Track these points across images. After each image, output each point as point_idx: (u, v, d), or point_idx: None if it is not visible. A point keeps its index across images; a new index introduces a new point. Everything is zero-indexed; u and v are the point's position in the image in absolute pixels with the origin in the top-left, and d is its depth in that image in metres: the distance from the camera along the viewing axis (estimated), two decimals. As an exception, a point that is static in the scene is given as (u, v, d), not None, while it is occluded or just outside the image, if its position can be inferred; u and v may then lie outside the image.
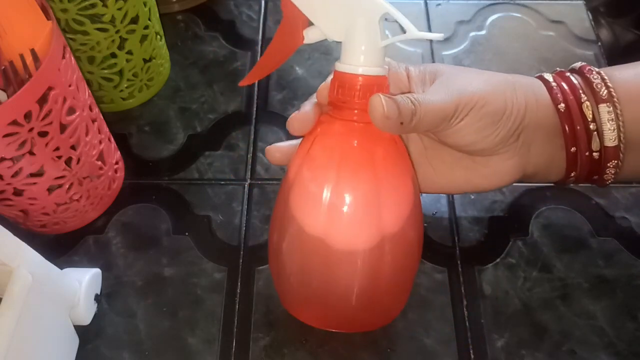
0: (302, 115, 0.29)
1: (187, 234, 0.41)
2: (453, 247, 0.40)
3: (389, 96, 0.26)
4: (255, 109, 0.48)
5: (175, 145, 0.46)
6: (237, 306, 0.38)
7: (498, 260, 0.39)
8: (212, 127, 0.47)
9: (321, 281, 0.30)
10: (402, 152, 0.29)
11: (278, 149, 0.33)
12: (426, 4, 0.55)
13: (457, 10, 0.54)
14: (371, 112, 0.26)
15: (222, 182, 0.44)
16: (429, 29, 0.53)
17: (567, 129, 0.32)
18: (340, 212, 0.28)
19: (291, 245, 0.30)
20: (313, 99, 0.30)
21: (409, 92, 0.32)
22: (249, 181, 0.44)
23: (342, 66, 0.26)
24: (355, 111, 0.27)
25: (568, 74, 0.34)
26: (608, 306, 0.37)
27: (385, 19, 0.25)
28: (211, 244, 0.40)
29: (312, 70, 0.50)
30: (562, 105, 0.32)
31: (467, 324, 0.37)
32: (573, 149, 0.33)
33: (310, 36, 0.27)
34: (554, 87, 0.33)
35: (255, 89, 0.49)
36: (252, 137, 0.46)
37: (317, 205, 0.28)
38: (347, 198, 0.27)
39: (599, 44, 0.51)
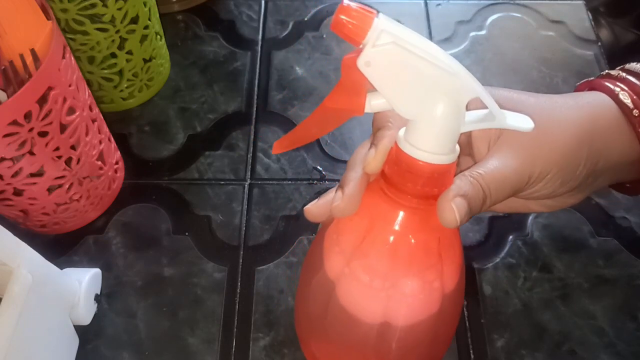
0: (351, 196, 0.25)
1: (187, 234, 0.41)
2: (453, 247, 0.40)
3: (460, 197, 0.24)
4: (255, 109, 0.48)
5: (175, 145, 0.46)
6: (237, 306, 0.38)
7: (498, 260, 0.39)
8: (212, 127, 0.47)
9: (376, 350, 0.29)
10: None
11: (318, 206, 0.28)
12: (426, 4, 0.55)
13: (457, 10, 0.54)
14: (442, 219, 0.23)
15: (222, 182, 0.44)
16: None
17: None
18: (406, 300, 0.26)
19: (341, 330, 0.28)
20: (355, 170, 0.26)
21: (470, 140, 0.29)
22: (249, 181, 0.44)
23: (412, 150, 0.22)
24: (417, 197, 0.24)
25: None
26: (608, 306, 0.37)
27: None
28: (211, 244, 0.40)
29: (312, 70, 0.50)
30: None
31: (467, 324, 0.37)
32: None
33: (375, 106, 0.22)
34: (636, 115, 0.30)
35: (255, 89, 0.49)
36: (252, 137, 0.46)
37: (378, 300, 0.26)
38: (415, 289, 0.25)
39: (599, 44, 0.51)
